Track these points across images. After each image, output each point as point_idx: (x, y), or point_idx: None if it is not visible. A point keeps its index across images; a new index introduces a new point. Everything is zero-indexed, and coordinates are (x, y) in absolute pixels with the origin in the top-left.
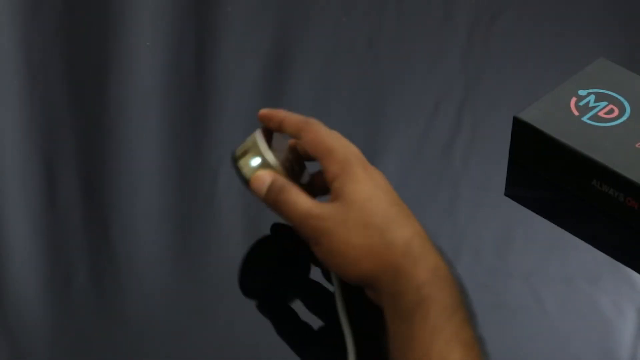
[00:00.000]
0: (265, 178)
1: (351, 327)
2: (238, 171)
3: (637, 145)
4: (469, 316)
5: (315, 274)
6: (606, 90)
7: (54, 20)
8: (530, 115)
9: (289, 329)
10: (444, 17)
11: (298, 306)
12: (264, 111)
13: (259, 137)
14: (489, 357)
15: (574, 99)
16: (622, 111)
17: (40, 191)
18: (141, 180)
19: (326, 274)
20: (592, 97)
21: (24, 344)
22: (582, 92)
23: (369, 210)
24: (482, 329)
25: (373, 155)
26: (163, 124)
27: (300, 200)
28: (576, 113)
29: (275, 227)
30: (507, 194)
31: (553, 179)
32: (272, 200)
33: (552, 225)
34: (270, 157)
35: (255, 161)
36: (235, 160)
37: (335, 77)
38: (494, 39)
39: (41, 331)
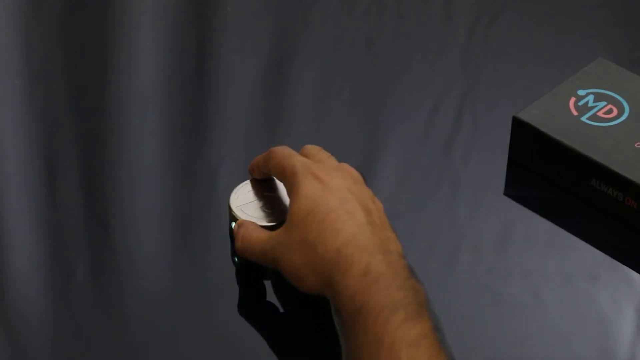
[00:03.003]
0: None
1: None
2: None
3: (636, 145)
4: (415, 309)
5: None
6: (605, 90)
7: (54, 20)
8: (530, 115)
9: (288, 329)
10: (444, 17)
11: (297, 307)
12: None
13: (232, 199)
14: (445, 342)
15: (573, 99)
16: (621, 111)
17: (40, 190)
18: (141, 179)
19: None
20: (591, 97)
21: (24, 341)
22: (581, 92)
23: (306, 226)
24: (480, 327)
25: (373, 154)
26: (163, 124)
27: (254, 236)
28: (575, 113)
29: None
30: (506, 193)
31: (552, 178)
32: (240, 251)
33: (551, 224)
34: (241, 215)
35: (233, 224)
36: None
37: (335, 77)
38: (494, 39)
39: (42, 329)
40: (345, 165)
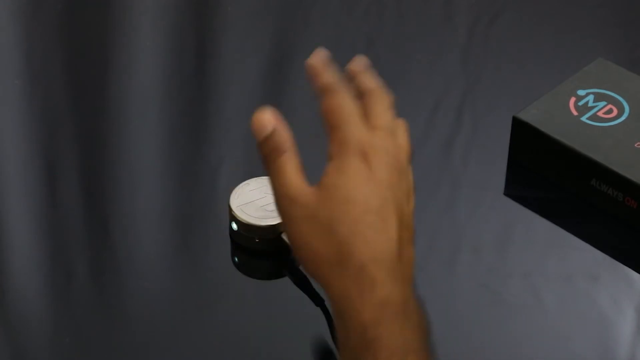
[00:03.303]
0: (267, 125)
1: None
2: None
3: (636, 145)
4: (424, 355)
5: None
6: (605, 90)
7: (54, 20)
8: (530, 115)
9: (288, 329)
10: (444, 17)
11: (297, 308)
12: (312, 63)
13: (232, 199)
14: None
15: (573, 99)
16: (621, 111)
17: (40, 190)
18: (141, 179)
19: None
20: (591, 97)
21: (24, 341)
22: (581, 92)
23: (340, 214)
24: (480, 327)
25: None
26: (163, 124)
27: (288, 171)
28: (575, 113)
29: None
30: (506, 193)
31: (552, 178)
32: (265, 155)
33: (551, 224)
34: (241, 215)
35: (234, 224)
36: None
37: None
38: (494, 39)
39: (42, 329)
40: (399, 140)
